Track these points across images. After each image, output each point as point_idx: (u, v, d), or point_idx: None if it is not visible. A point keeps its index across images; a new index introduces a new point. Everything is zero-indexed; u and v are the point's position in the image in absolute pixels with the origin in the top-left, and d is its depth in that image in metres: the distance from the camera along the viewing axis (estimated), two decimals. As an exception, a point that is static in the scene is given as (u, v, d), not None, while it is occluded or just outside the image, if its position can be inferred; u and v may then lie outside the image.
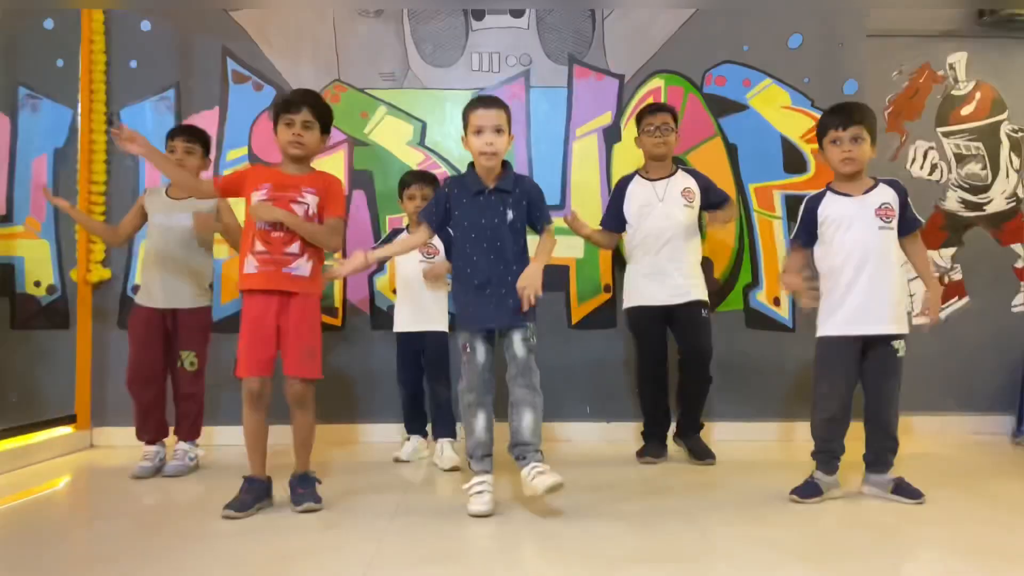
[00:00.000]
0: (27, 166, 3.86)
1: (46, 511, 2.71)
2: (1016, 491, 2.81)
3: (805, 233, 2.71)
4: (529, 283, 2.48)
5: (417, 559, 2.08)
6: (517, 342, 2.55)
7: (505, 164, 2.61)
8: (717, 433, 3.66)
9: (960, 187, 4.05)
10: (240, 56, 3.87)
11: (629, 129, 3.87)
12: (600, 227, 3.44)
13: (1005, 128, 4.05)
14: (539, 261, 2.58)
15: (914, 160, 4.04)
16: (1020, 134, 4.04)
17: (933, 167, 4.05)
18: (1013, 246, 4.05)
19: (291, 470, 2.62)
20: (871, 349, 2.62)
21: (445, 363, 3.37)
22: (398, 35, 3.90)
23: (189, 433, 3.19)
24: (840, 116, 2.62)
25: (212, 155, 3.38)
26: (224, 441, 3.53)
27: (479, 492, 2.50)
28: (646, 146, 3.36)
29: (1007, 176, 4.05)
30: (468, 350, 2.59)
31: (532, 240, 2.67)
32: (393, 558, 2.08)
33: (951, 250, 4.04)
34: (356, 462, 3.34)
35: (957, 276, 4.04)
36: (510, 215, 2.57)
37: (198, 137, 3.20)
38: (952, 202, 4.05)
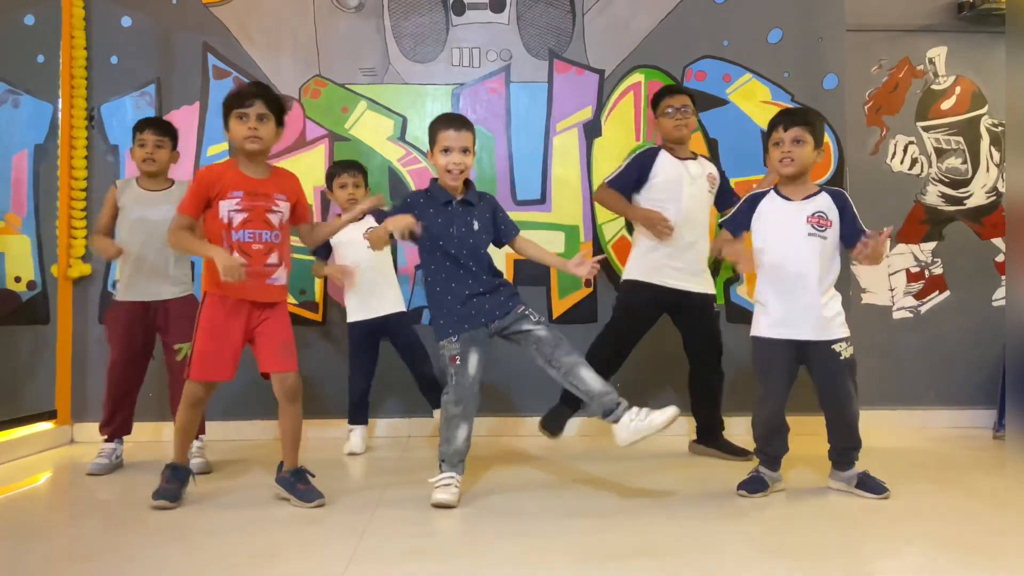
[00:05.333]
0: (7, 162, 3.86)
1: (26, 507, 2.71)
2: (996, 485, 2.81)
3: (733, 224, 2.74)
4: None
5: (399, 554, 2.08)
6: (533, 328, 2.61)
7: (467, 181, 2.71)
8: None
9: (940, 181, 4.06)
10: (221, 51, 3.87)
11: (609, 123, 3.88)
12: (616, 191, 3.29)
13: (985, 122, 4.06)
14: (550, 258, 2.83)
15: (894, 154, 4.05)
16: (1000, 128, 4.05)
17: (913, 161, 4.06)
18: (993, 240, 4.06)
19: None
20: (810, 353, 2.60)
21: (419, 341, 3.40)
22: (379, 30, 3.91)
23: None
24: (782, 118, 2.65)
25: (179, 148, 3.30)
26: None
27: (447, 484, 2.53)
28: (666, 128, 3.30)
29: (987, 170, 4.06)
30: (458, 361, 2.59)
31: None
32: (375, 553, 2.08)
33: (931, 244, 4.05)
34: (335, 457, 3.34)
35: (938, 270, 4.05)
36: (476, 225, 2.66)
37: (168, 131, 3.17)
38: (932, 196, 4.06)
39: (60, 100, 3.77)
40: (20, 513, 2.59)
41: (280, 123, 2.60)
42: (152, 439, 3.62)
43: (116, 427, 3.14)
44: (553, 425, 3.27)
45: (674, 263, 3.22)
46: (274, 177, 2.61)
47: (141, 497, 2.67)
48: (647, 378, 3.78)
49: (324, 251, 3.47)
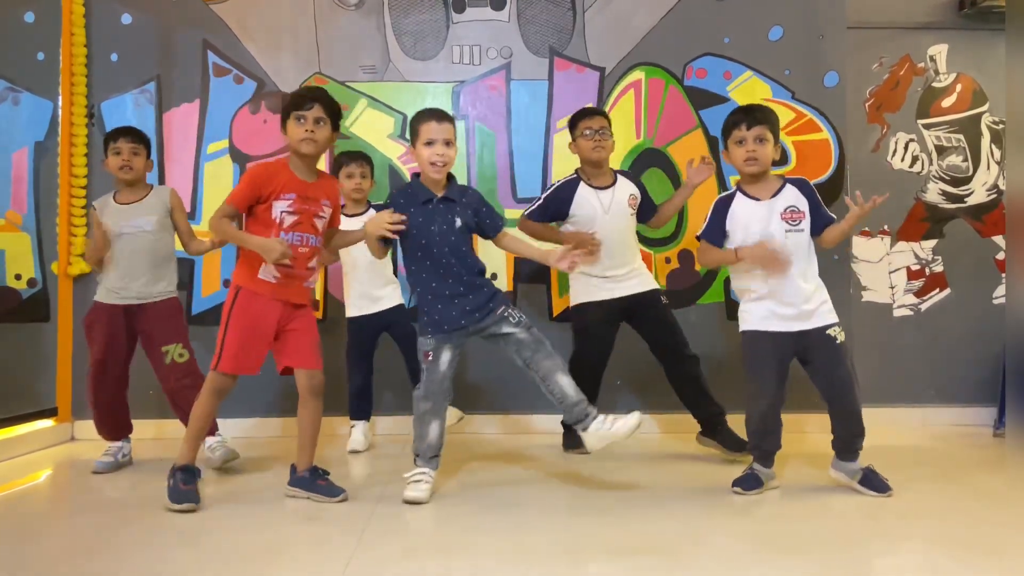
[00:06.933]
0: (7, 159, 3.86)
1: (27, 504, 2.72)
2: (997, 483, 2.81)
3: (716, 232, 2.71)
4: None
5: (399, 552, 2.08)
6: (513, 330, 2.59)
7: (449, 176, 2.67)
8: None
9: (941, 179, 4.06)
10: (221, 49, 3.87)
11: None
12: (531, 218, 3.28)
13: (986, 120, 4.06)
14: (534, 252, 2.72)
15: (895, 152, 4.04)
16: (1001, 126, 4.05)
17: (914, 159, 4.05)
18: (994, 238, 4.05)
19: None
20: (807, 343, 2.60)
21: (415, 335, 3.39)
22: (379, 28, 3.91)
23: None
24: (744, 117, 2.65)
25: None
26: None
27: (417, 481, 2.55)
28: (583, 150, 3.23)
29: (988, 168, 4.06)
30: (430, 358, 2.61)
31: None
32: (375, 551, 2.09)
33: (932, 242, 4.05)
34: (335, 454, 3.34)
35: (938, 268, 4.05)
36: (458, 222, 2.63)
37: (141, 139, 3.14)
38: (933, 194, 4.05)
39: (60, 97, 3.77)
40: (20, 511, 2.59)
41: (336, 128, 2.65)
42: (154, 436, 3.62)
43: (112, 429, 3.12)
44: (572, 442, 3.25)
45: (610, 276, 3.22)
46: (321, 181, 2.67)
47: (142, 495, 2.68)
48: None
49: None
